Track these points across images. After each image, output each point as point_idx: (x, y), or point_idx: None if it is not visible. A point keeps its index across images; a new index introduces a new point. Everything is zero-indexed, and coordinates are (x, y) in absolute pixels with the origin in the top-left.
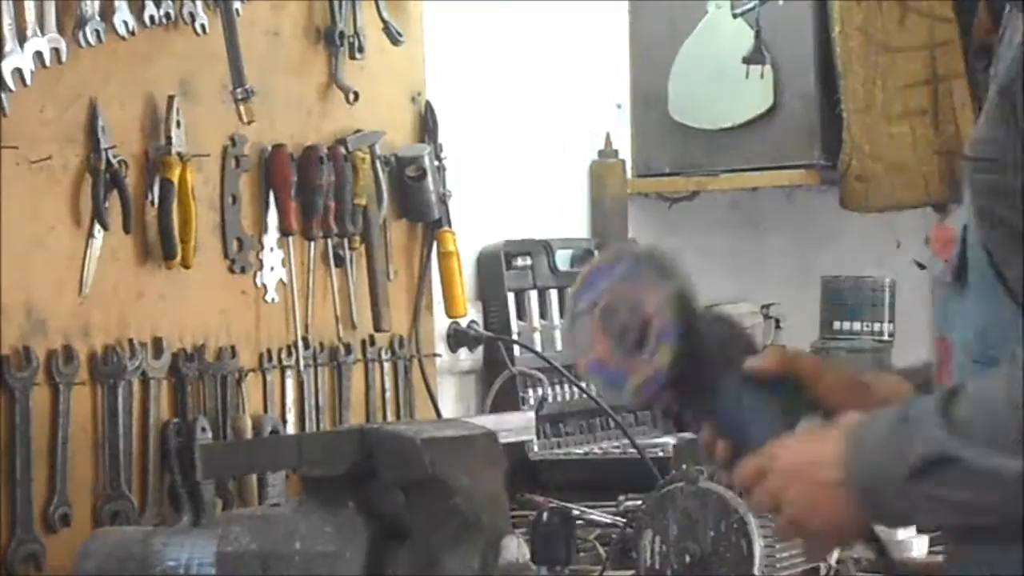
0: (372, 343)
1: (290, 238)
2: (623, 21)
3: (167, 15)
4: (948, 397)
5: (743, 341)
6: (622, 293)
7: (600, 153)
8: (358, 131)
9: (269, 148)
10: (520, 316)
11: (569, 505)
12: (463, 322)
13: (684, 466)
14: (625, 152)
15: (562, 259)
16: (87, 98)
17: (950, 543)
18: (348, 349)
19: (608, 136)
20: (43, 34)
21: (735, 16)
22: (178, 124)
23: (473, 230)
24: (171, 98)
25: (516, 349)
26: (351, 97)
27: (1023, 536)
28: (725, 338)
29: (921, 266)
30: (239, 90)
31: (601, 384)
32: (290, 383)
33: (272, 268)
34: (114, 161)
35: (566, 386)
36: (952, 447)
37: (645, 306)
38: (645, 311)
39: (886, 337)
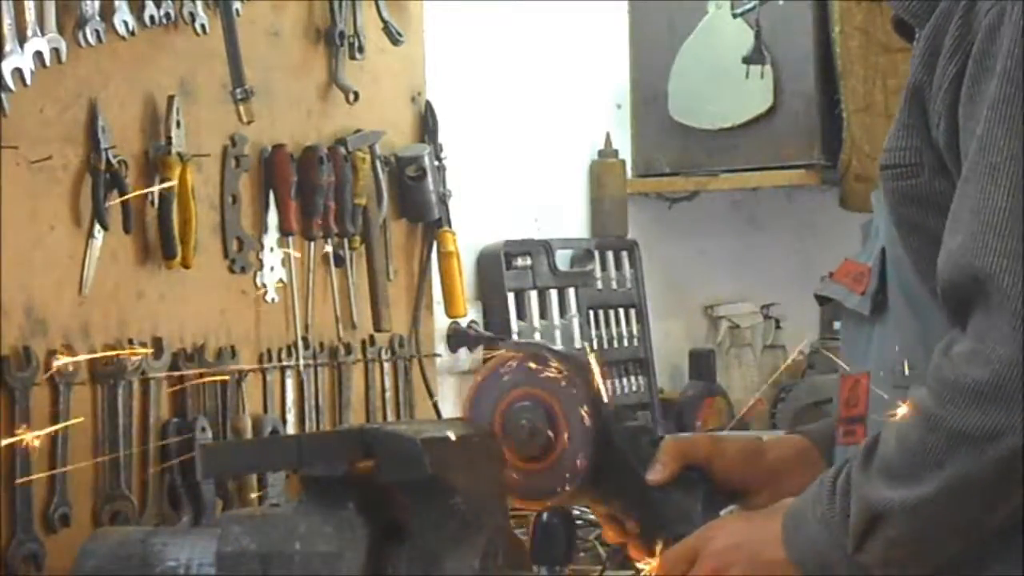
0: (372, 343)
1: (290, 238)
2: (623, 21)
3: (167, 15)
4: (865, 456)
5: (648, 434)
6: (524, 392)
7: (600, 153)
8: (358, 131)
9: (269, 148)
10: (520, 316)
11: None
12: (463, 322)
13: None
14: (625, 152)
15: (562, 259)
16: (87, 98)
17: None
18: (348, 349)
19: (608, 136)
20: (43, 34)
21: (735, 16)
22: (178, 124)
23: (473, 230)
24: (171, 98)
25: None
26: (351, 97)
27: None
28: (634, 430)
29: (824, 300)
30: (239, 90)
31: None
32: (290, 383)
33: (272, 268)
34: (114, 161)
35: None
36: (877, 498)
37: (551, 405)
38: (551, 410)
39: None
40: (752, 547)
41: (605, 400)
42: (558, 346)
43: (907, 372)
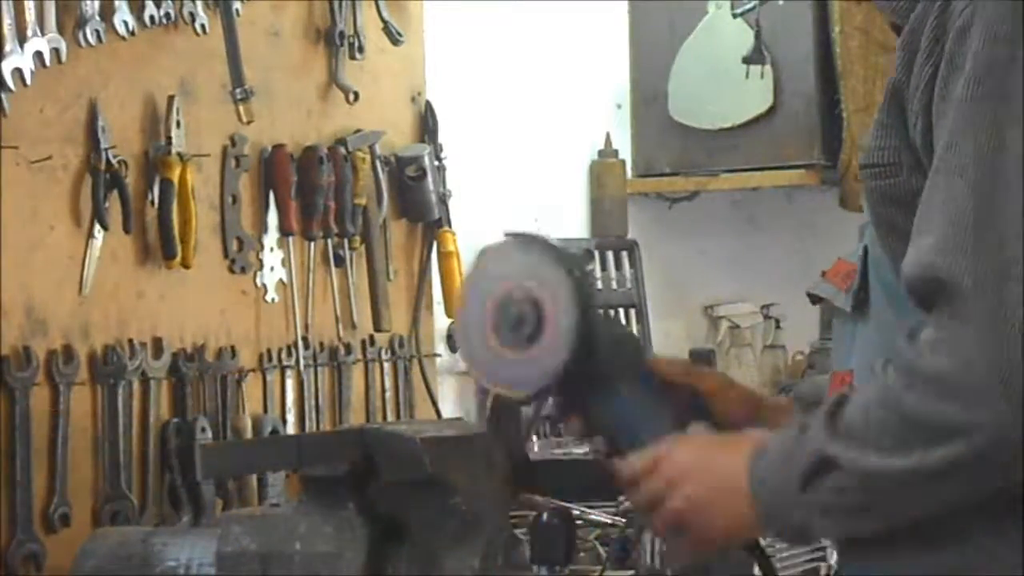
0: (372, 343)
1: (290, 238)
2: (623, 21)
3: (167, 15)
4: (834, 407)
5: (635, 343)
6: (518, 283)
7: (600, 153)
8: (358, 131)
9: (269, 148)
10: None
11: (569, 505)
12: None
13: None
14: (625, 152)
15: None
16: (87, 98)
17: (848, 558)
18: (348, 349)
19: (608, 136)
20: (43, 34)
21: (735, 16)
22: (178, 124)
23: (473, 230)
24: (171, 98)
25: None
26: (351, 97)
27: (914, 543)
28: (619, 337)
29: (816, 298)
30: (239, 90)
31: (490, 376)
32: (290, 383)
33: (272, 268)
34: (114, 161)
35: None
36: (832, 449)
37: (541, 297)
38: (541, 302)
39: None
40: (712, 469)
41: (594, 302)
42: (555, 241)
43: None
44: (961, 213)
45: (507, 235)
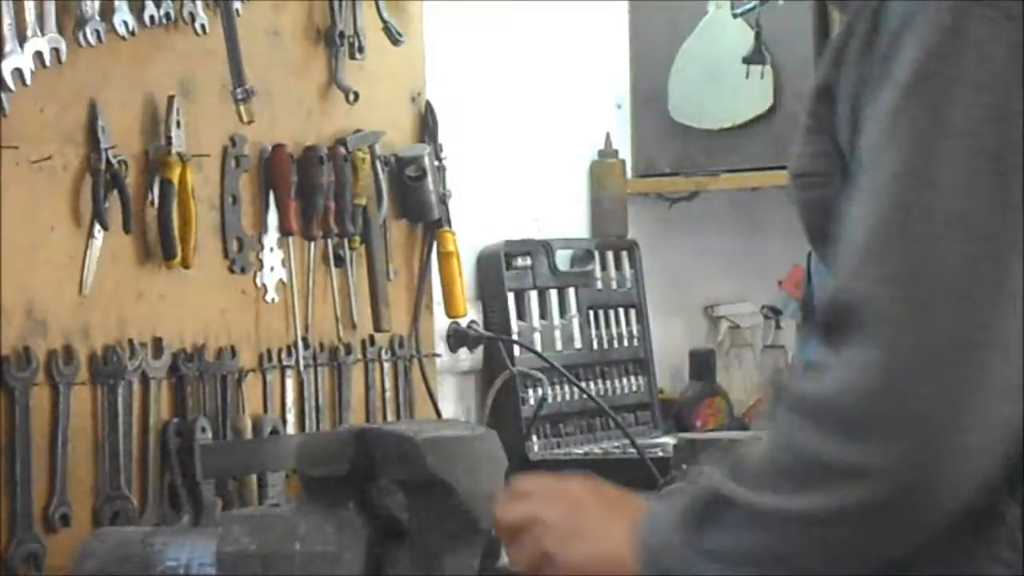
0: (372, 343)
1: (290, 238)
2: (623, 21)
3: (167, 15)
4: (742, 450)
5: None
6: None
7: (600, 153)
8: (358, 131)
9: (269, 148)
10: (520, 316)
11: None
12: (463, 322)
13: (684, 466)
14: (625, 152)
15: (562, 259)
16: (87, 98)
17: None
18: (348, 349)
19: (608, 136)
20: (43, 34)
21: (735, 16)
22: (178, 124)
23: (473, 230)
24: (171, 98)
25: (516, 349)
26: (351, 97)
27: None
28: None
29: (774, 311)
30: (239, 90)
31: None
32: (290, 383)
33: (272, 268)
34: (114, 161)
35: (566, 386)
36: (727, 488)
37: None
38: None
39: None
40: (587, 501)
41: None
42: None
43: None
44: (876, 233)
45: None
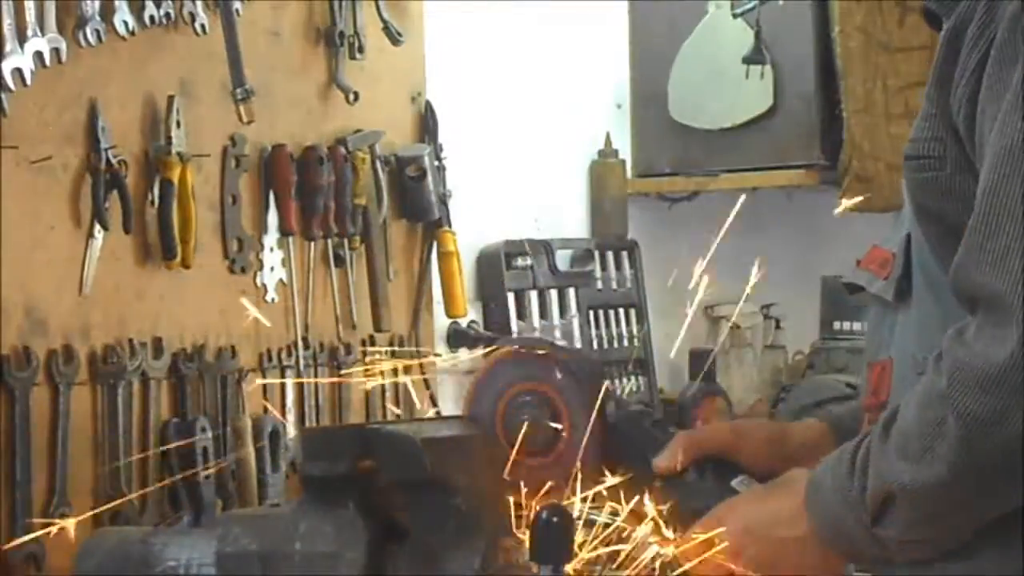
0: (372, 343)
1: (290, 238)
2: (623, 21)
3: (167, 15)
4: (887, 422)
5: (649, 418)
6: (528, 388)
7: (600, 153)
8: (358, 131)
9: (269, 148)
10: (520, 316)
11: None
12: (463, 322)
13: None
14: (625, 152)
15: (562, 259)
16: (87, 98)
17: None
18: (348, 349)
19: (608, 136)
20: (43, 34)
21: (735, 16)
22: (178, 124)
23: (473, 230)
24: (171, 98)
25: None
26: (351, 97)
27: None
28: (635, 419)
29: (855, 288)
30: (239, 90)
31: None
32: (290, 383)
33: (272, 268)
34: (114, 161)
35: None
36: (893, 478)
37: (554, 401)
38: (555, 406)
39: None
40: (763, 528)
41: (605, 388)
42: (557, 340)
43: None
44: (1007, 216)
45: (508, 341)
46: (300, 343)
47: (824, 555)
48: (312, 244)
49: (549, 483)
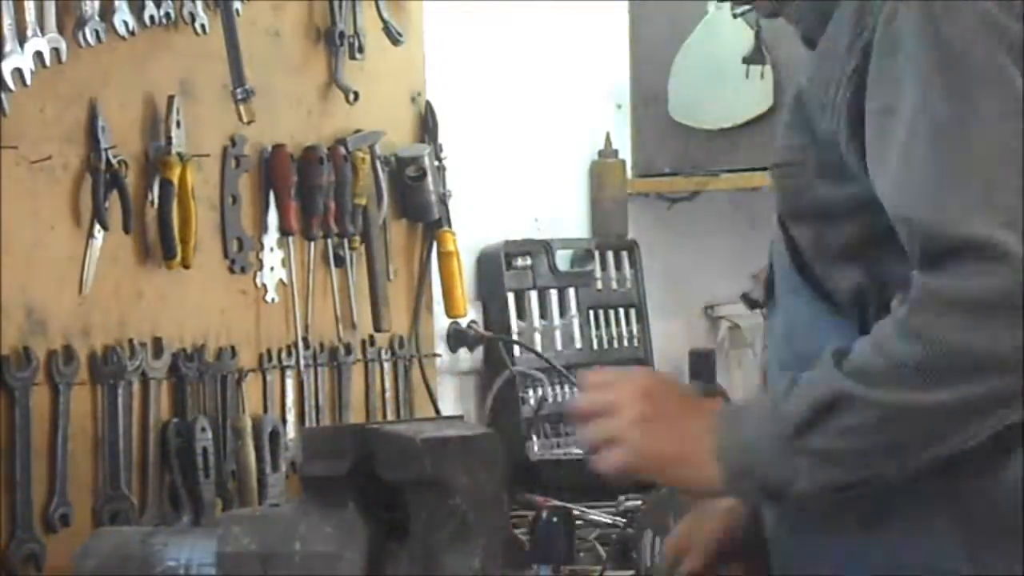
0: (372, 343)
1: (290, 238)
2: (623, 21)
3: (167, 15)
4: (836, 355)
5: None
6: None
7: (600, 153)
8: (358, 131)
9: (269, 148)
10: (520, 316)
11: (569, 505)
12: (463, 322)
13: None
14: (625, 152)
15: (562, 259)
16: (87, 98)
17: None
18: (348, 349)
19: (608, 136)
20: (43, 34)
21: (735, 16)
22: (178, 124)
23: (473, 230)
24: (171, 98)
25: (516, 349)
26: (351, 97)
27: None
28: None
29: (753, 303)
30: (239, 90)
31: None
32: (290, 383)
33: (272, 268)
34: (114, 161)
35: (566, 386)
36: (847, 387)
37: None
38: None
39: None
40: (665, 401)
41: None
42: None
43: (790, 354)
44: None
45: None
46: (300, 343)
47: (707, 466)
48: (312, 244)
49: None
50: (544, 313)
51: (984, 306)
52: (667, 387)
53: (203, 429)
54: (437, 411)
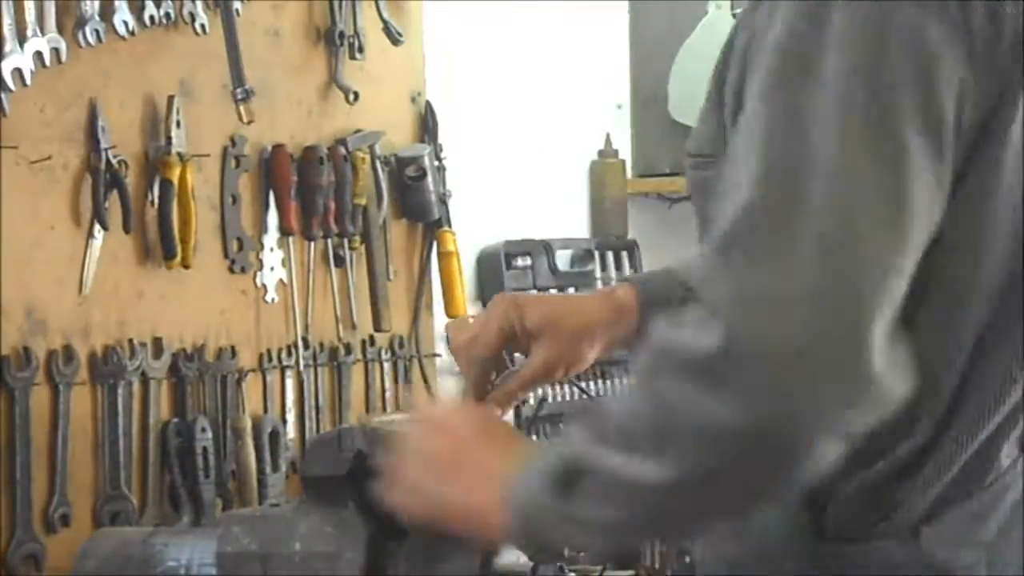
0: (372, 343)
1: (290, 238)
2: (623, 21)
3: (167, 15)
4: (594, 414)
5: None
6: None
7: (600, 153)
8: (358, 131)
9: (269, 148)
10: None
11: None
12: None
13: None
14: (625, 152)
15: (562, 259)
16: (87, 98)
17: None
18: (348, 349)
19: (608, 136)
20: (43, 34)
21: (735, 16)
22: (178, 124)
23: (473, 230)
24: (171, 98)
25: None
26: (351, 97)
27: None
28: None
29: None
30: (239, 90)
31: None
32: (290, 383)
33: (272, 268)
34: (114, 161)
35: (566, 386)
36: (584, 451)
37: None
38: None
39: None
40: (474, 448)
41: None
42: None
43: None
44: (746, 213)
45: None
46: (300, 343)
47: (492, 517)
48: (312, 244)
49: None
50: None
51: (700, 364)
52: (478, 430)
53: (203, 429)
54: None
